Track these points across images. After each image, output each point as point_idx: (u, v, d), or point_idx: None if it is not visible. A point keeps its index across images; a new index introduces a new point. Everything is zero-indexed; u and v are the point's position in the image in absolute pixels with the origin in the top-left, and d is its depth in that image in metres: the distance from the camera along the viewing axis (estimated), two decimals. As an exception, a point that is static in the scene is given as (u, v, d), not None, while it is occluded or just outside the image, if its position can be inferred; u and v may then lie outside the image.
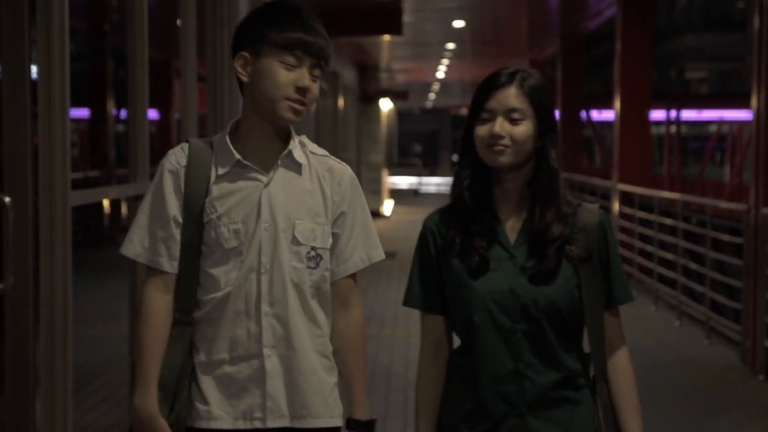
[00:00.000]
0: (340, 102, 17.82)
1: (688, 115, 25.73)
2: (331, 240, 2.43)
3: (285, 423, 2.38)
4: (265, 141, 2.41)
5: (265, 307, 2.37)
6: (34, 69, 3.43)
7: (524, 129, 2.35)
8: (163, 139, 8.83)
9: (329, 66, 2.48)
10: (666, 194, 11.36)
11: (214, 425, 2.37)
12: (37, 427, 3.46)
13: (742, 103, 8.16)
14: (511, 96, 2.36)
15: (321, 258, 2.40)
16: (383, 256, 2.53)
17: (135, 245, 2.40)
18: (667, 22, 34.89)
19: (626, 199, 12.13)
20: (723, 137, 23.05)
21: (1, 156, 3.40)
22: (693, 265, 9.82)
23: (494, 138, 2.34)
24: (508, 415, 2.35)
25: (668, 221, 10.53)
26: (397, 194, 28.43)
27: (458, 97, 38.29)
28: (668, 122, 20.37)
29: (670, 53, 34.01)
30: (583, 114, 17.97)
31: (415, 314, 2.53)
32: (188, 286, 2.38)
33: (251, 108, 2.41)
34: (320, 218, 2.41)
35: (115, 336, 5.63)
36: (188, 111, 5.64)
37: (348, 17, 12.93)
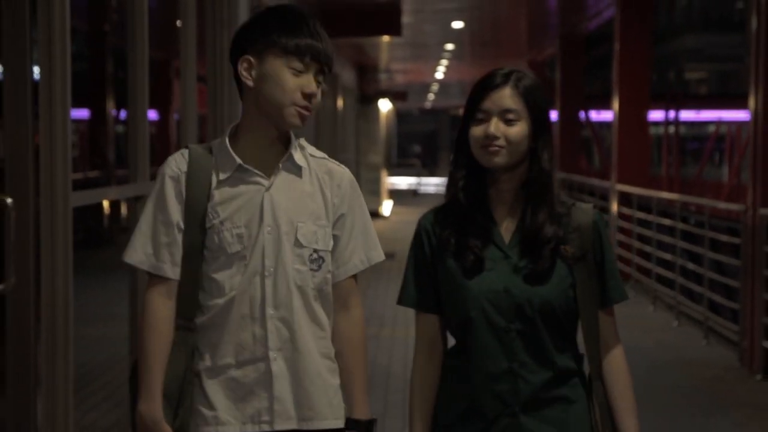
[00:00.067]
0: (339, 103, 17.83)
1: (687, 115, 25.75)
2: (332, 242, 2.44)
3: (292, 425, 2.39)
4: (266, 145, 2.42)
5: (269, 311, 2.37)
6: (35, 69, 3.44)
7: (519, 130, 2.36)
8: (162, 140, 8.84)
9: (330, 73, 2.49)
10: (664, 195, 11.37)
11: (221, 430, 2.37)
12: (39, 427, 3.47)
13: (740, 103, 8.17)
14: (506, 97, 2.36)
15: (323, 260, 2.42)
16: (383, 257, 2.55)
17: (138, 252, 2.40)
18: (666, 22, 34.90)
19: (625, 199, 12.14)
20: (721, 138, 23.06)
21: (3, 157, 3.41)
22: (691, 266, 9.83)
23: (489, 139, 2.35)
24: (501, 415, 2.35)
25: (667, 222, 10.54)
26: (396, 195, 28.43)
27: (457, 98, 38.28)
28: (667, 123, 20.37)
29: (670, 54, 34.02)
30: (582, 114, 17.98)
31: (414, 314, 2.55)
32: (190, 292, 2.39)
33: (254, 112, 2.41)
34: (321, 221, 2.42)
35: (115, 336, 5.64)
36: (188, 112, 5.65)
37: (347, 18, 12.94)
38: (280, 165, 2.42)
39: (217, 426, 2.37)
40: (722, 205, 9.75)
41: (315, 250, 2.41)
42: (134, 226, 4.62)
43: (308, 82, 2.38)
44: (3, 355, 3.37)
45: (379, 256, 2.52)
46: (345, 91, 19.41)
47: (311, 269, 2.40)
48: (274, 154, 2.43)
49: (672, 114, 20.19)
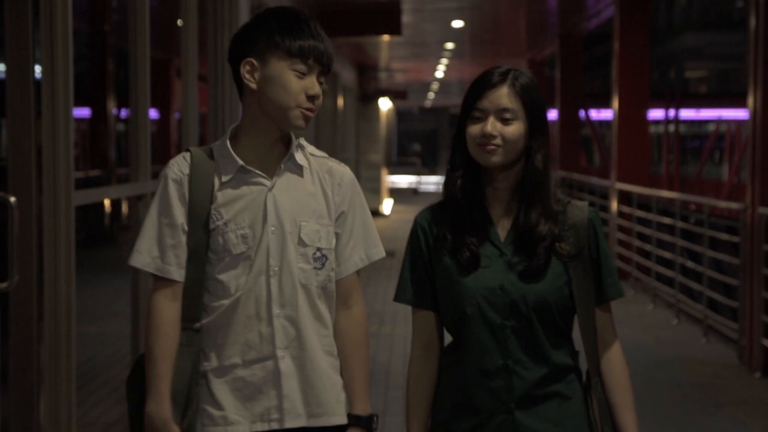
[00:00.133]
0: (340, 102, 17.84)
1: (687, 114, 25.76)
2: (334, 240, 2.46)
3: (302, 423, 2.40)
4: (267, 146, 2.44)
5: (275, 309, 2.39)
6: (37, 69, 3.46)
7: (515, 128, 2.37)
8: (162, 139, 8.85)
9: (331, 72, 2.52)
10: (664, 193, 11.39)
11: (231, 430, 2.39)
12: (41, 424, 3.48)
13: (740, 102, 8.18)
14: (503, 96, 2.37)
15: (326, 258, 2.43)
16: (383, 255, 2.56)
17: (143, 255, 2.41)
18: (666, 21, 34.89)
19: (624, 198, 12.16)
20: (721, 136, 23.07)
21: (6, 156, 3.43)
22: (691, 264, 9.85)
23: (486, 137, 2.36)
24: (497, 411, 2.36)
25: (666, 220, 10.56)
26: (396, 193, 28.44)
27: (457, 97, 38.27)
28: (667, 121, 20.39)
29: (670, 52, 34.01)
30: (582, 113, 17.98)
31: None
32: (195, 293, 2.40)
33: (255, 113, 2.42)
34: (324, 219, 2.44)
35: (117, 333, 5.66)
36: (189, 111, 5.67)
37: (347, 17, 12.95)
38: (282, 165, 2.44)
39: (226, 426, 2.39)
40: (722, 204, 9.77)
41: (318, 249, 2.42)
42: (135, 224, 4.65)
43: (312, 83, 2.40)
44: (6, 352, 3.39)
45: (380, 253, 2.54)
46: (345, 90, 19.42)
47: (315, 268, 2.42)
48: (275, 154, 2.45)
49: (672, 112, 20.20)
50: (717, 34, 32.63)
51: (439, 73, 25.97)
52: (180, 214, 2.40)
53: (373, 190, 21.36)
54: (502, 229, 2.42)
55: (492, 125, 2.37)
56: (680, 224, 10.06)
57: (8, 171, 3.39)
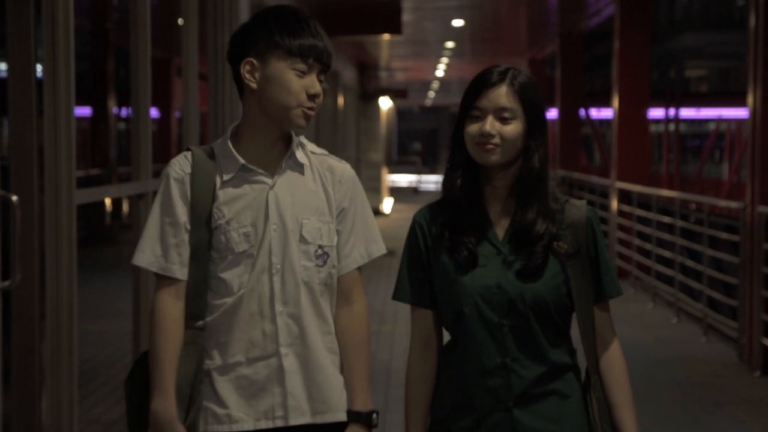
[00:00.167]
0: (340, 100, 17.85)
1: (687, 113, 25.75)
2: (336, 237, 2.47)
3: (306, 419, 2.41)
4: (268, 144, 2.45)
5: (279, 307, 2.40)
6: (39, 68, 3.47)
7: (514, 128, 2.37)
8: (163, 138, 8.86)
9: (330, 69, 2.52)
10: (664, 192, 11.40)
11: (235, 428, 2.39)
12: (44, 422, 3.50)
13: (740, 101, 8.19)
14: (502, 95, 2.37)
15: (328, 256, 2.44)
16: (384, 251, 2.56)
17: (146, 254, 2.42)
18: (667, 20, 34.88)
19: (624, 197, 12.17)
20: (722, 135, 23.07)
21: (8, 155, 3.44)
22: (690, 263, 9.86)
23: (485, 136, 2.36)
24: (495, 409, 2.37)
25: (666, 219, 10.57)
26: (396, 192, 28.46)
27: (458, 96, 38.20)
28: (667, 120, 20.39)
29: (670, 51, 34.00)
30: (582, 112, 17.99)
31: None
32: (198, 292, 2.41)
33: (256, 112, 2.43)
34: (325, 217, 2.45)
35: (118, 332, 5.67)
36: (190, 109, 5.68)
37: (348, 16, 12.96)
38: (283, 163, 2.44)
39: (230, 424, 2.39)
40: (722, 203, 9.78)
41: (320, 246, 2.43)
42: (137, 224, 4.66)
43: (312, 82, 2.41)
44: (8, 350, 3.40)
45: (381, 249, 2.54)
46: (345, 89, 19.43)
47: (317, 265, 2.43)
48: (276, 153, 2.46)
49: (672, 111, 20.20)
50: (717, 33, 32.61)
51: (440, 72, 25.97)
52: (182, 213, 2.41)
53: (373, 189, 21.37)
54: (500, 227, 2.42)
55: (491, 124, 2.37)
56: (680, 223, 10.07)
57: (10, 170, 3.40)
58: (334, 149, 15.30)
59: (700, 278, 9.33)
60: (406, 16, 13.82)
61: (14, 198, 3.11)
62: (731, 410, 6.48)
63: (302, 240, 2.42)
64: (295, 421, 2.40)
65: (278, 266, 2.40)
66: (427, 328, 2.48)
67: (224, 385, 2.40)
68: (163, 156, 6.72)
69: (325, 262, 2.44)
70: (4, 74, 3.44)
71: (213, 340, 2.42)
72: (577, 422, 2.40)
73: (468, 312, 2.38)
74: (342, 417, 2.44)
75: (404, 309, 2.53)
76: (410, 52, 20.36)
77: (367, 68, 24.07)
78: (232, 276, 2.40)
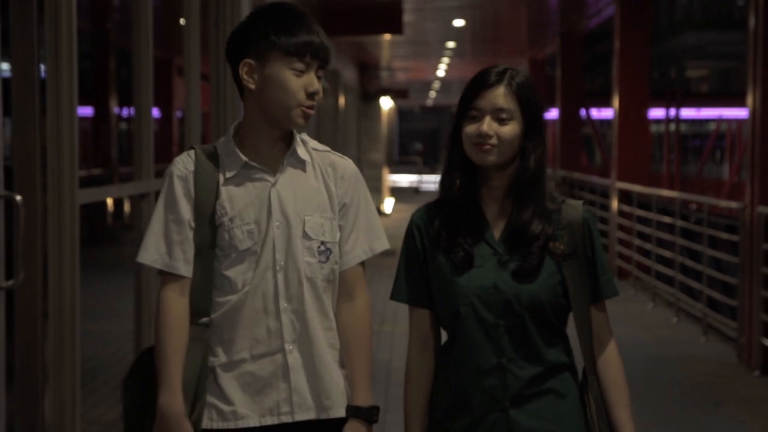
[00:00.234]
0: (341, 101, 17.86)
1: (688, 113, 25.75)
2: (338, 234, 2.48)
3: (311, 415, 2.42)
4: (270, 143, 2.46)
5: (283, 304, 2.41)
6: (42, 68, 3.48)
7: (511, 128, 2.38)
8: (164, 137, 8.86)
9: (329, 64, 2.52)
10: (664, 192, 11.41)
11: (241, 424, 2.40)
12: (46, 421, 3.51)
13: (741, 101, 8.21)
14: (500, 96, 2.38)
15: (331, 252, 2.45)
16: (387, 246, 2.57)
17: (150, 252, 2.43)
18: (667, 20, 34.88)
19: (625, 197, 12.18)
20: (722, 135, 23.08)
21: (11, 154, 3.45)
22: (690, 263, 9.88)
23: (482, 137, 2.37)
24: (491, 409, 2.37)
25: (666, 219, 10.58)
26: (397, 192, 28.47)
27: (459, 96, 38.12)
28: (667, 120, 20.40)
29: (671, 51, 34.01)
30: (583, 112, 18.00)
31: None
32: (203, 289, 2.42)
33: (256, 112, 2.44)
34: (327, 213, 2.46)
35: (120, 332, 5.69)
36: (192, 109, 5.69)
37: (349, 17, 12.97)
38: (285, 161, 2.46)
39: (236, 420, 2.40)
40: (722, 203, 9.80)
41: (323, 242, 2.44)
42: (138, 224, 4.67)
43: (311, 80, 2.41)
44: (11, 350, 3.41)
45: (383, 245, 2.54)
46: (346, 89, 19.44)
47: (320, 261, 2.44)
48: (278, 150, 2.47)
49: (672, 112, 20.21)
50: (718, 33, 32.62)
51: (441, 72, 25.99)
52: (186, 211, 2.42)
53: (374, 189, 21.38)
54: (497, 228, 2.43)
55: (488, 125, 2.37)
56: (680, 223, 10.09)
57: (14, 169, 3.41)
58: (335, 149, 15.29)
59: (699, 278, 9.35)
60: (407, 17, 13.83)
61: (18, 198, 3.12)
62: (730, 410, 6.50)
63: (305, 236, 2.43)
64: (300, 417, 2.41)
65: (282, 263, 2.41)
66: (424, 328, 2.49)
67: (229, 382, 2.41)
68: (164, 156, 6.73)
69: (328, 258, 2.45)
70: (8, 74, 3.46)
71: (217, 338, 2.43)
72: (574, 421, 2.41)
73: (464, 312, 2.38)
74: (344, 413, 2.44)
75: (404, 309, 2.54)
76: (411, 52, 20.37)
77: (368, 68, 24.09)
78: (236, 273, 2.41)
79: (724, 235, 9.02)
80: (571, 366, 2.45)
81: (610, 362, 2.45)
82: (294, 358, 2.42)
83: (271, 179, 2.44)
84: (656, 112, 19.43)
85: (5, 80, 3.43)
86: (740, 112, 19.62)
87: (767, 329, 7.52)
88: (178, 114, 8.88)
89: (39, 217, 3.45)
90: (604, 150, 19.09)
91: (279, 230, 2.42)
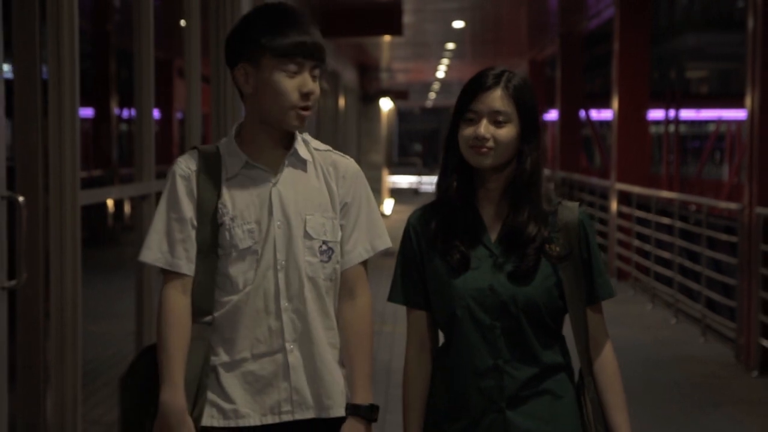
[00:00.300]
0: (341, 102, 17.87)
1: (687, 114, 25.77)
2: (340, 233, 2.49)
3: (312, 415, 2.43)
4: (271, 143, 2.47)
5: (284, 303, 2.42)
6: (44, 69, 3.49)
7: (508, 131, 2.38)
8: (164, 139, 8.87)
9: (326, 63, 2.52)
10: (663, 194, 11.42)
11: (242, 423, 2.42)
12: (48, 421, 3.53)
13: (741, 102, 8.22)
14: (497, 98, 2.39)
15: (332, 251, 2.46)
16: (389, 245, 2.57)
17: (153, 251, 2.44)
18: (667, 21, 34.89)
19: (624, 198, 12.20)
20: (722, 137, 23.10)
21: (14, 155, 3.47)
22: (689, 264, 9.90)
23: (479, 140, 2.37)
24: (488, 411, 2.38)
25: (665, 220, 10.60)
26: (397, 193, 28.46)
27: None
28: (667, 122, 20.42)
29: (670, 52, 34.01)
30: (582, 113, 18.02)
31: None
32: (205, 288, 2.43)
33: (256, 114, 2.46)
34: (329, 212, 2.47)
35: (120, 333, 5.70)
36: (193, 110, 5.70)
37: (348, 18, 12.99)
38: (286, 160, 2.47)
39: (237, 419, 2.42)
40: (721, 204, 9.82)
41: (324, 242, 2.45)
42: (139, 225, 4.68)
43: (304, 81, 2.42)
44: (13, 349, 3.42)
45: (385, 243, 2.55)
46: (346, 90, 19.46)
47: (321, 261, 2.45)
48: (279, 150, 2.48)
49: (672, 113, 20.23)
50: (718, 34, 32.61)
51: (440, 74, 26.00)
52: (188, 209, 2.43)
53: (374, 190, 20.94)
54: (493, 230, 2.43)
55: (485, 128, 2.38)
56: (679, 224, 10.10)
57: (16, 170, 3.43)
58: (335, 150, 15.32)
59: (698, 279, 9.36)
60: (407, 18, 13.85)
61: (21, 198, 3.13)
62: (729, 410, 6.51)
63: (306, 236, 2.44)
64: (300, 416, 2.43)
65: (283, 262, 2.42)
66: (422, 329, 2.50)
67: (231, 381, 2.43)
68: (164, 157, 6.75)
69: (329, 258, 2.46)
70: (9, 75, 3.47)
71: (219, 337, 2.44)
72: (570, 422, 2.41)
73: (460, 314, 2.39)
74: (344, 413, 2.45)
75: (404, 309, 2.55)
76: (411, 53, 20.39)
77: (367, 70, 24.10)
78: (237, 272, 2.42)
79: (723, 236, 9.04)
80: (568, 367, 2.45)
81: (607, 364, 2.45)
82: (295, 357, 2.43)
83: (273, 179, 2.45)
84: (656, 114, 19.45)
85: (7, 81, 3.44)
86: (740, 114, 19.64)
87: (766, 330, 7.53)
88: (178, 115, 8.90)
89: (41, 217, 3.47)
90: (603, 151, 19.10)
91: (280, 230, 2.43)
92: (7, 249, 3.14)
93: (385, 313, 9.16)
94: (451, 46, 18.70)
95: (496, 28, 16.97)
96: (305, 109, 2.43)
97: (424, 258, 2.46)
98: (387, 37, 15.40)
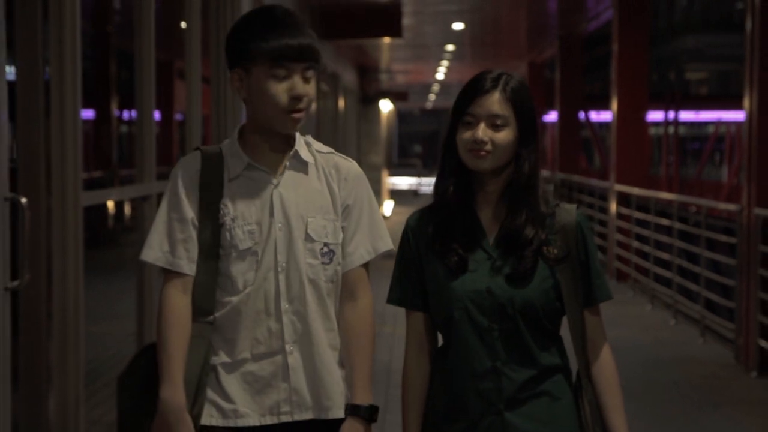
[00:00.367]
0: (341, 103, 17.88)
1: (687, 116, 25.79)
2: (342, 235, 2.50)
3: (310, 415, 2.44)
4: (272, 145, 2.48)
5: (284, 305, 2.43)
6: (47, 70, 3.51)
7: (506, 135, 2.39)
8: (164, 140, 8.88)
9: (320, 63, 2.50)
10: (662, 195, 11.44)
11: (241, 423, 2.43)
12: (50, 421, 3.54)
13: (740, 104, 8.24)
14: (495, 102, 2.39)
15: (334, 253, 2.47)
16: (391, 246, 2.57)
17: (154, 250, 2.45)
18: (666, 22, 34.91)
19: (623, 199, 12.21)
20: (721, 138, 23.11)
21: (16, 157, 3.48)
22: (688, 265, 9.91)
23: (477, 143, 2.37)
24: (486, 413, 2.38)
25: (665, 221, 10.61)
26: (397, 195, 28.47)
27: (458, 98, 38.14)
28: (666, 123, 20.44)
29: (670, 54, 34.03)
30: (582, 115, 18.03)
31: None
32: (206, 288, 2.44)
33: (254, 117, 2.47)
34: (330, 215, 2.48)
35: (121, 334, 5.72)
36: (193, 112, 5.72)
37: (348, 20, 13.00)
38: (287, 162, 2.48)
39: (236, 419, 2.43)
40: (721, 206, 9.83)
41: (325, 244, 2.46)
42: (140, 226, 4.69)
43: (294, 84, 2.41)
44: (16, 350, 3.44)
45: (387, 245, 2.55)
46: (346, 92, 19.47)
47: (323, 263, 2.46)
48: (280, 152, 2.49)
49: (671, 114, 20.26)
50: (717, 35, 32.64)
51: (440, 75, 26.02)
52: (190, 210, 2.44)
53: (373, 191, 21.23)
54: (491, 232, 2.43)
55: (483, 131, 2.38)
56: (678, 225, 10.12)
57: (18, 172, 3.44)
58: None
59: (697, 280, 9.38)
60: (407, 20, 13.87)
61: (23, 200, 3.15)
62: (728, 411, 6.53)
63: (308, 238, 2.45)
64: (300, 416, 2.44)
65: (284, 264, 2.43)
66: (421, 331, 2.50)
67: (230, 381, 2.44)
68: (164, 158, 6.76)
69: (331, 260, 2.47)
70: (12, 77, 3.48)
71: (220, 337, 2.45)
72: (568, 424, 2.42)
73: (458, 316, 2.39)
74: (343, 414, 2.46)
75: (404, 311, 2.56)
76: (411, 55, 20.41)
77: (367, 71, 24.12)
78: (237, 273, 2.43)
79: (722, 238, 9.06)
80: (565, 368, 2.45)
81: (605, 366, 2.46)
82: (294, 358, 2.44)
83: (274, 181, 2.46)
84: (655, 115, 19.48)
85: (10, 83, 3.46)
86: (739, 115, 19.63)
87: (764, 331, 7.55)
88: (178, 117, 8.92)
89: (43, 218, 3.48)
90: (603, 153, 19.12)
91: (281, 232, 2.44)
92: (10, 250, 3.15)
93: (385, 314, 9.17)
94: (450, 47, 18.72)
95: (496, 30, 16.99)
96: (297, 111, 2.42)
97: (423, 260, 2.46)
98: (387, 39, 15.41)
